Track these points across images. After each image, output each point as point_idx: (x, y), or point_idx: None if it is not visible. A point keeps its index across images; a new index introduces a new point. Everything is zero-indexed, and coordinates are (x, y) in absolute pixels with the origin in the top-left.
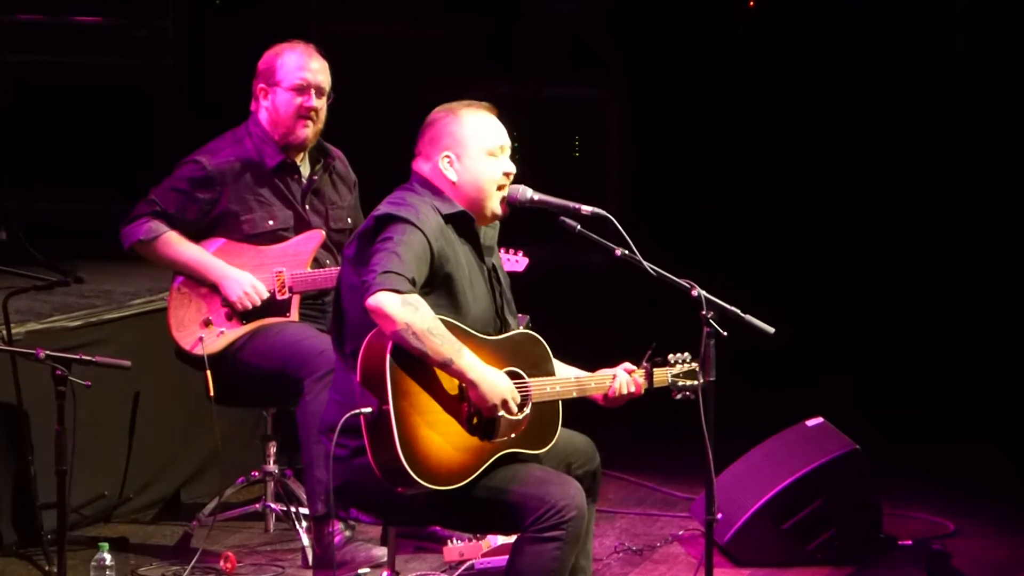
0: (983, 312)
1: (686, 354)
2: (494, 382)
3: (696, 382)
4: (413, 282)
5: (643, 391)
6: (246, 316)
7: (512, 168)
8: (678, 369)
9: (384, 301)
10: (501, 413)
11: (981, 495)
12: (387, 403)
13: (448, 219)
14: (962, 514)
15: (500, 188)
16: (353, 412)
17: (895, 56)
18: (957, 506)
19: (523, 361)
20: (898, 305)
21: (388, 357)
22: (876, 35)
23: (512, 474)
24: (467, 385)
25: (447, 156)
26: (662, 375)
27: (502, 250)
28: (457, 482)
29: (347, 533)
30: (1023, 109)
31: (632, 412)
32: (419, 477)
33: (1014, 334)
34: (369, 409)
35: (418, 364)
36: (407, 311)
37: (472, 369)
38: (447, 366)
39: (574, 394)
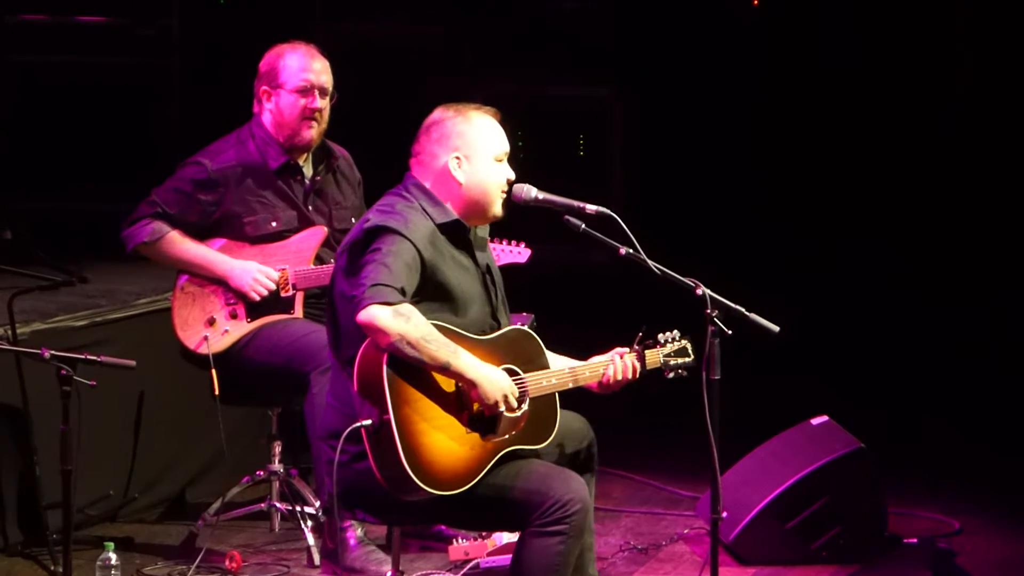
0: (987, 310)
1: (675, 331)
2: (493, 379)
3: (687, 359)
4: (403, 291)
5: (638, 375)
6: (251, 314)
7: (513, 176)
8: (668, 348)
9: (376, 315)
10: (502, 410)
11: (986, 494)
12: (387, 413)
13: (441, 228)
14: (967, 513)
15: (503, 193)
16: (354, 426)
17: (896, 54)
18: (962, 505)
19: (517, 357)
20: (903, 303)
21: (385, 368)
22: (879, 33)
23: (515, 471)
24: (466, 386)
25: (457, 157)
26: (654, 356)
27: (503, 242)
28: (462, 486)
29: (359, 532)
30: None
31: (635, 411)
32: (424, 484)
33: (1019, 333)
34: (369, 421)
35: (415, 370)
36: (399, 322)
37: (471, 369)
38: (445, 370)
39: (570, 385)
